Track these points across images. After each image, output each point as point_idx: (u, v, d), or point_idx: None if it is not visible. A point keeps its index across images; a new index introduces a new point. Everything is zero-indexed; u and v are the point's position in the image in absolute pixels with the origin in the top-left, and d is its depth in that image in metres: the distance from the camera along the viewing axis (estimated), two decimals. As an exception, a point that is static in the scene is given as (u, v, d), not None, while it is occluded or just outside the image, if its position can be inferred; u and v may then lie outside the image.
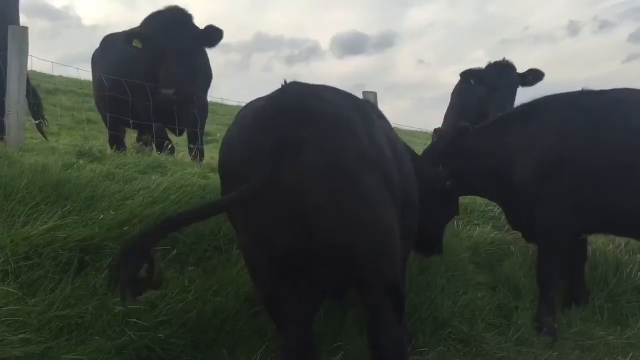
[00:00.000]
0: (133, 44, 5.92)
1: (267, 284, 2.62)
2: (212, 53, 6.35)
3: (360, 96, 6.13)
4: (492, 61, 6.37)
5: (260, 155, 2.37)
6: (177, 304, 3.27)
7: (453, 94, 7.36)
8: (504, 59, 6.30)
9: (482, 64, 6.50)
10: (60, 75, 15.96)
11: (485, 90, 6.14)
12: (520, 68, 6.42)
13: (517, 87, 6.21)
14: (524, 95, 5.95)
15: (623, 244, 5.33)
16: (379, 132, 2.81)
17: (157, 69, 5.82)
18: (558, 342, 4.10)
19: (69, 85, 15.26)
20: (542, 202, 4.24)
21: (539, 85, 6.20)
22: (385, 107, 4.09)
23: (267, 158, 2.33)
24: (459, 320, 3.99)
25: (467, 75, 6.27)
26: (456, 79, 7.05)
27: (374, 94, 6.02)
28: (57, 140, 7.07)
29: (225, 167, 2.80)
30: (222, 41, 6.08)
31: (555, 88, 4.92)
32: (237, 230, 2.96)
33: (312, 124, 2.42)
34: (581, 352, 4.03)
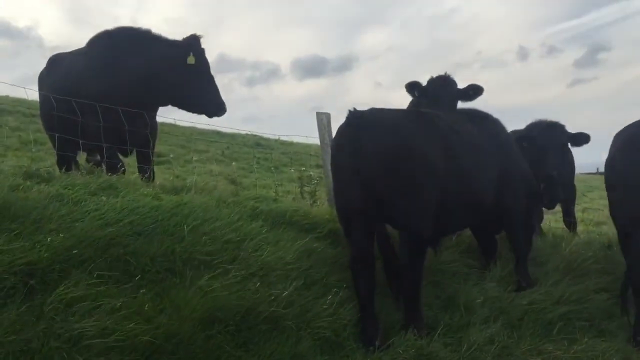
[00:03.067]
0: (188, 61, 6.08)
1: (343, 219, 4.42)
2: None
3: (314, 117, 6.18)
4: (434, 75, 6.53)
5: (339, 150, 4.34)
6: (128, 328, 3.19)
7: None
8: (445, 73, 6.46)
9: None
10: (7, 96, 15.54)
11: (427, 102, 6.28)
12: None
13: (457, 100, 6.36)
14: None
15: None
16: (439, 137, 4.51)
17: None
18: (508, 357, 4.18)
19: (16, 106, 14.86)
20: None
21: (493, 107, 6.42)
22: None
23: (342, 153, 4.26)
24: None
25: (412, 87, 6.41)
26: (407, 99, 7.26)
27: (328, 115, 6.08)
28: (2, 162, 6.85)
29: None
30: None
31: (507, 109, 5.30)
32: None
33: (367, 131, 4.17)
34: (531, 367, 4.11)
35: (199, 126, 15.32)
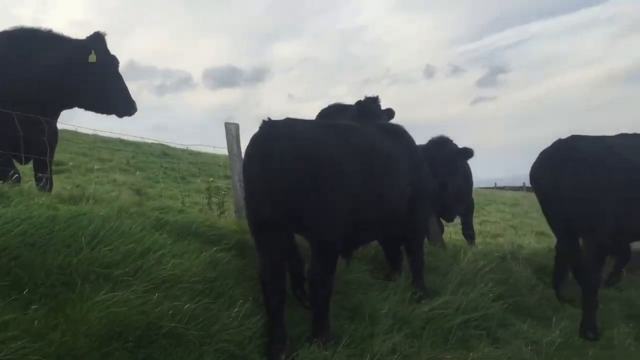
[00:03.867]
0: (89, 59, 5.77)
1: (254, 230, 4.36)
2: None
3: (223, 127, 6.12)
4: (368, 95, 6.95)
5: (252, 159, 4.27)
6: (16, 347, 2.98)
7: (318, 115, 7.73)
8: (376, 96, 6.92)
9: (346, 100, 7.11)
10: None
11: (357, 118, 6.59)
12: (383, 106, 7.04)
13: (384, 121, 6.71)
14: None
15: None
16: (348, 144, 4.49)
17: None
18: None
19: None
20: None
21: (400, 122, 6.64)
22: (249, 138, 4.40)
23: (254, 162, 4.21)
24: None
25: (359, 105, 6.81)
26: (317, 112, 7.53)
27: (236, 125, 6.04)
28: None
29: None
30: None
31: (413, 125, 5.64)
32: None
33: (280, 141, 4.10)
34: (429, 376, 4.24)
35: (102, 134, 14.75)
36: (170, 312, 3.68)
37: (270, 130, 4.24)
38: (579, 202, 5.36)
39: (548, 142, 5.84)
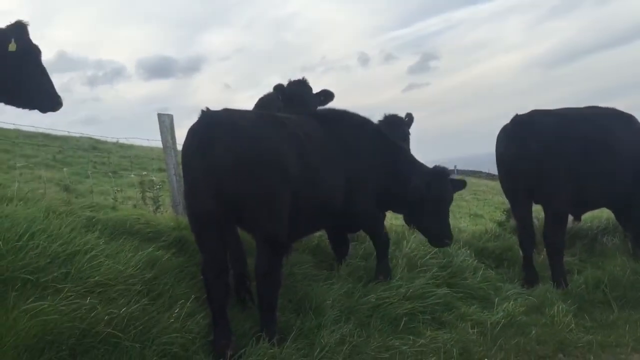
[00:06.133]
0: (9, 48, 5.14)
1: (195, 224, 4.17)
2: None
3: (156, 119, 5.85)
4: (292, 79, 6.55)
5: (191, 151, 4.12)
6: None
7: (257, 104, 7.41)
8: (303, 78, 6.53)
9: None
10: None
11: (285, 105, 6.28)
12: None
13: (314, 104, 6.39)
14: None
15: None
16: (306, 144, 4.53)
17: None
18: (359, 356, 4.23)
19: None
20: None
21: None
22: (185, 129, 4.22)
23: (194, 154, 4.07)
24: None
25: (276, 90, 6.40)
26: (252, 101, 7.27)
27: (170, 116, 5.80)
28: None
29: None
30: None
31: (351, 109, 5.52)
32: None
33: (220, 132, 4.01)
34: (379, 364, 4.20)
35: (24, 129, 13.88)
36: (106, 317, 3.48)
37: (210, 121, 4.10)
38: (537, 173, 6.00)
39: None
